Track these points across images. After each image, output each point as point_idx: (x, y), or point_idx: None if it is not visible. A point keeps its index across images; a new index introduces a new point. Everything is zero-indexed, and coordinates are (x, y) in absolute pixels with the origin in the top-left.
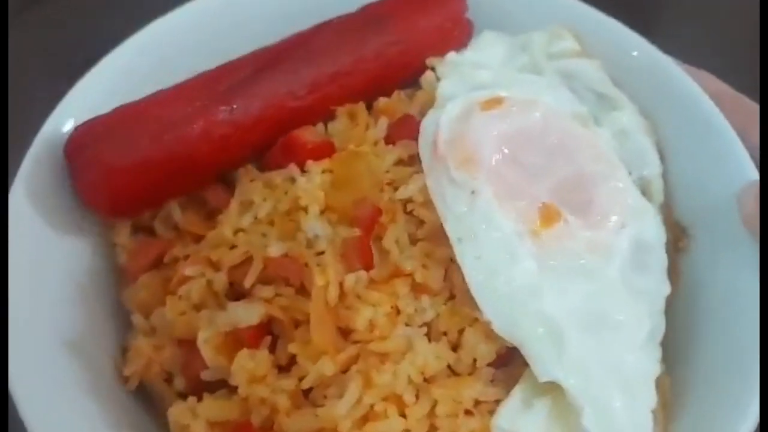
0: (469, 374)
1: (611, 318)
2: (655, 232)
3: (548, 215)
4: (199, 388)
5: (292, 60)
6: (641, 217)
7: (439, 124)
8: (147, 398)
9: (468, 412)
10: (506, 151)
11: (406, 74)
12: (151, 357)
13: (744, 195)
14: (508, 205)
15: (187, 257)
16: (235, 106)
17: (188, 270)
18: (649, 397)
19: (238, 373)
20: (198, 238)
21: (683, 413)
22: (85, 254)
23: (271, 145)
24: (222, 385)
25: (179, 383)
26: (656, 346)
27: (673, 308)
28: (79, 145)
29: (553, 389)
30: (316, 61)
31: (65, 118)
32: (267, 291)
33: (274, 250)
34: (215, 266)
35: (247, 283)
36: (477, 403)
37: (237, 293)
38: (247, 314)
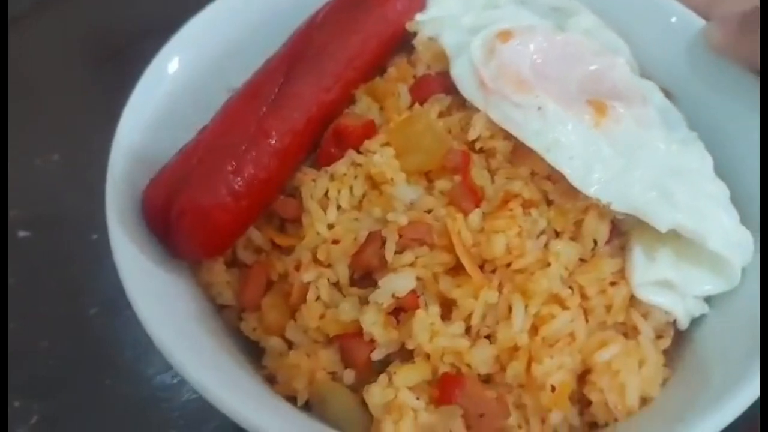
0: (594, 257)
1: (684, 165)
2: (661, 97)
3: (598, 107)
4: (368, 373)
5: (310, 60)
6: (648, 89)
7: (473, 67)
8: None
9: (612, 284)
10: (538, 68)
11: (394, 45)
12: (311, 366)
13: (710, 34)
14: (569, 109)
15: (297, 268)
16: (285, 116)
17: (306, 277)
18: (735, 212)
19: (421, 334)
20: (286, 250)
21: None
22: (184, 293)
23: (316, 142)
24: (387, 362)
25: (348, 376)
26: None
27: None
28: (166, 198)
29: (665, 237)
30: (330, 54)
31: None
32: (407, 257)
33: (401, 219)
34: (324, 264)
35: (390, 256)
36: (612, 275)
37: (355, 279)
38: (404, 282)
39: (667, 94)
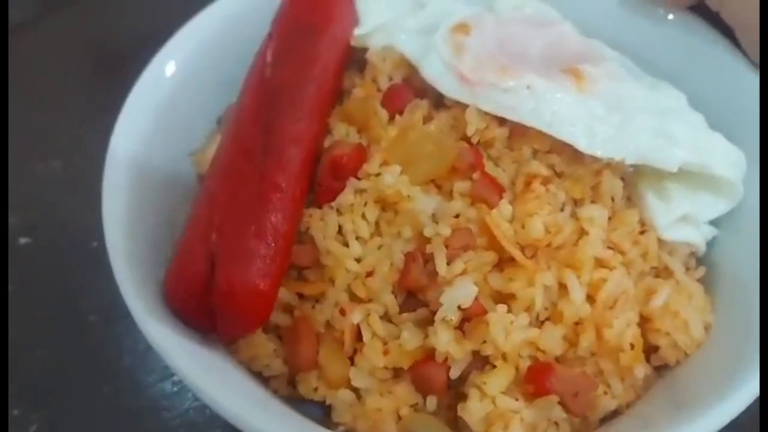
0: (613, 213)
1: (665, 105)
2: (611, 52)
3: (574, 72)
4: (446, 396)
5: (282, 98)
6: (600, 46)
7: (447, 65)
8: None
9: (641, 233)
10: (505, 50)
11: (345, 65)
12: (394, 405)
13: None
14: (552, 81)
15: (342, 311)
16: (284, 164)
17: (355, 318)
18: (718, 134)
19: (498, 336)
20: (316, 299)
21: None
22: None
23: (310, 182)
24: (462, 379)
25: (431, 404)
26: None
27: None
28: (200, 282)
29: (667, 176)
30: (299, 88)
31: None
32: (458, 266)
33: (444, 230)
34: (364, 301)
35: (442, 270)
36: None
37: (401, 306)
38: (466, 291)
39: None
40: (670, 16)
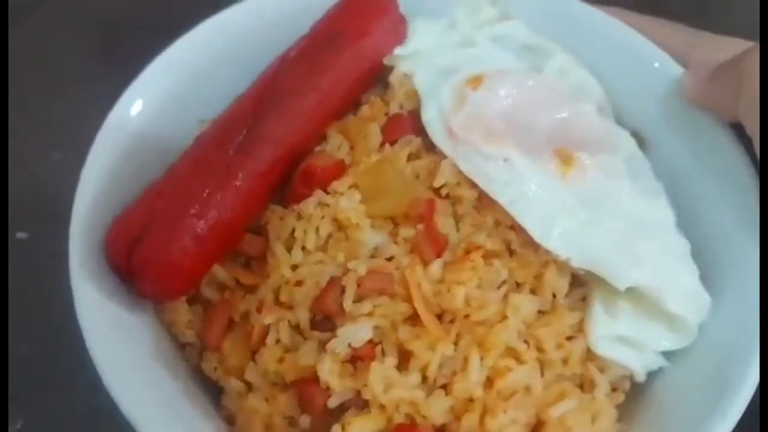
0: (554, 310)
1: (648, 217)
2: (631, 143)
3: (564, 158)
4: (324, 419)
5: (278, 101)
6: (617, 135)
7: (442, 114)
8: None
9: (569, 338)
10: (507, 117)
11: (371, 79)
12: (268, 411)
13: (684, 83)
14: (535, 160)
15: (259, 309)
16: (252, 158)
17: (267, 319)
18: (695, 267)
19: (377, 385)
20: (251, 288)
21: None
22: (145, 331)
23: (285, 182)
24: (343, 409)
25: (304, 422)
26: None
27: None
28: (127, 244)
29: (624, 292)
30: (299, 95)
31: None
32: (366, 306)
33: (361, 269)
34: (286, 306)
35: (348, 305)
36: (569, 328)
37: (316, 322)
38: (361, 332)
39: (640, 139)
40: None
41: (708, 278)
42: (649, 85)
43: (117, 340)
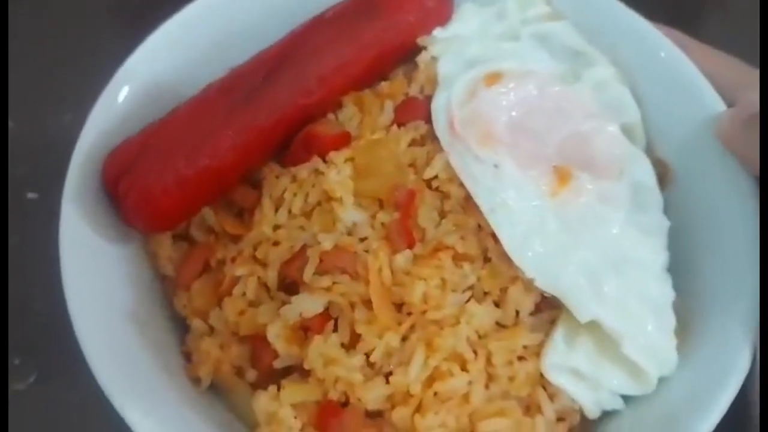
0: (514, 325)
1: (632, 255)
2: (647, 174)
3: (562, 175)
4: (270, 377)
5: (298, 60)
6: (634, 162)
7: (450, 105)
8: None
9: (520, 358)
10: (516, 121)
11: (400, 55)
12: (219, 356)
13: (720, 122)
14: (528, 173)
15: (233, 259)
16: (254, 114)
17: (238, 270)
18: (671, 320)
19: (315, 359)
20: (235, 238)
21: (696, 332)
22: (133, 260)
23: (290, 141)
24: (291, 371)
25: (251, 375)
26: (668, 275)
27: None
28: (117, 173)
29: (589, 326)
30: (320, 58)
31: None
32: (325, 281)
33: (327, 243)
34: (261, 263)
35: (307, 277)
36: (525, 348)
37: (286, 285)
38: (312, 304)
39: (665, 168)
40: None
41: (693, 331)
42: (687, 115)
43: (92, 266)
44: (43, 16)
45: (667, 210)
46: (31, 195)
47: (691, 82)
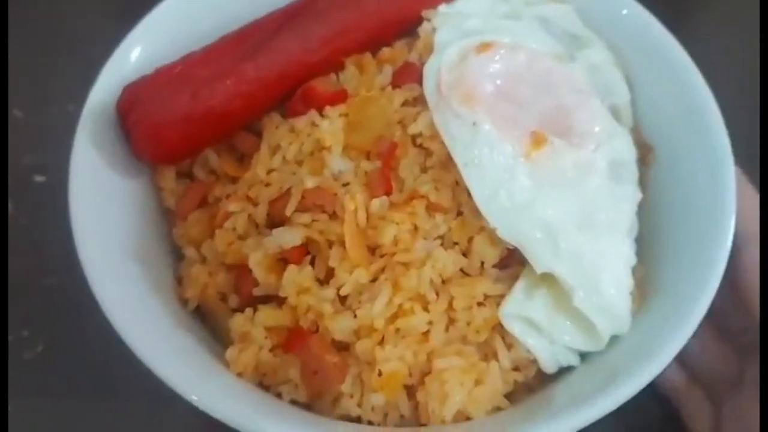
0: (479, 275)
1: (597, 218)
2: (626, 151)
3: (537, 140)
4: (250, 304)
5: (304, 20)
6: (614, 138)
7: (440, 68)
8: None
9: (480, 304)
10: (499, 87)
11: (404, 27)
12: (206, 282)
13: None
14: (504, 134)
15: (228, 196)
16: (260, 65)
17: (231, 206)
18: (628, 282)
19: (288, 286)
20: (234, 179)
21: (652, 297)
22: (139, 195)
23: (292, 95)
24: (270, 300)
25: (233, 301)
26: (632, 242)
27: (641, 212)
28: (129, 105)
29: (549, 281)
30: (325, 20)
31: (115, 74)
32: (305, 217)
33: (310, 183)
34: (253, 201)
35: (288, 211)
36: (486, 297)
37: (274, 223)
38: (291, 237)
39: (648, 149)
40: None
41: (649, 295)
42: (674, 99)
43: (100, 197)
44: (48, 14)
45: (645, 187)
46: (38, 178)
47: (681, 68)
